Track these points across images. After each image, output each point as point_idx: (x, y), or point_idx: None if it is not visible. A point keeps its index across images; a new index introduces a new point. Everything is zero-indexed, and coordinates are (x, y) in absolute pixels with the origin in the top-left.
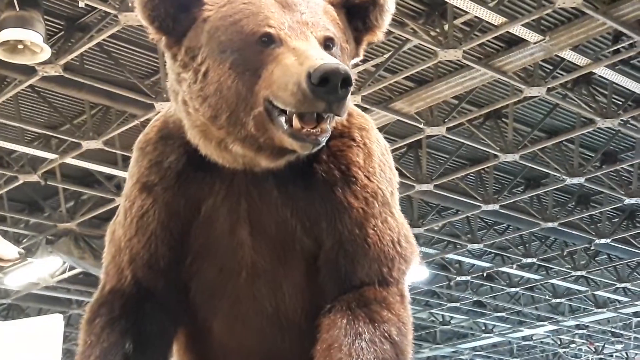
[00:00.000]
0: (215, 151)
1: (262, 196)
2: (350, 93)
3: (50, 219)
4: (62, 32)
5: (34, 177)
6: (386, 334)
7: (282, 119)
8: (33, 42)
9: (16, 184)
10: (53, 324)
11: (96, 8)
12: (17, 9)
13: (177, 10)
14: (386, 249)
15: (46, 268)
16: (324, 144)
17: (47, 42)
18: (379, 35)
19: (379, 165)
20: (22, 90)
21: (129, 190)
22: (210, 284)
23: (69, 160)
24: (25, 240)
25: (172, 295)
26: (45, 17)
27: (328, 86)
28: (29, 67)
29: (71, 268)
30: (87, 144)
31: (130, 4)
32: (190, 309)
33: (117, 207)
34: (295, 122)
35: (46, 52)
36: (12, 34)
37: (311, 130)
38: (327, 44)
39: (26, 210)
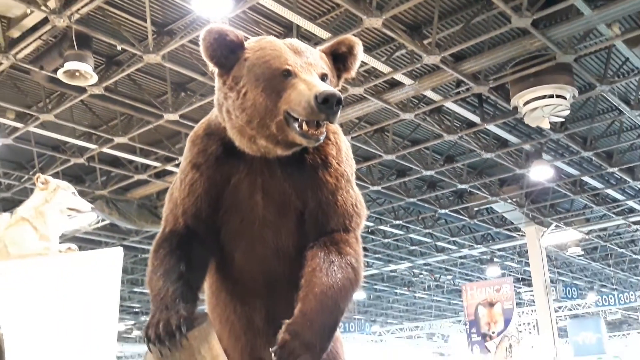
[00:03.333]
0: (246, 144)
1: (271, 174)
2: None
3: (89, 188)
4: (104, 65)
5: (81, 160)
6: (349, 262)
7: (296, 125)
8: (85, 71)
9: (68, 164)
10: (114, 255)
11: (126, 50)
12: (76, 49)
13: (228, 53)
14: (348, 209)
15: (85, 220)
16: (320, 141)
17: (95, 71)
18: (352, 74)
19: (345, 156)
20: (76, 103)
21: (183, 167)
22: (234, 229)
23: (105, 149)
24: None
25: (209, 236)
26: (94, 54)
27: (328, 104)
28: (81, 87)
29: (102, 221)
30: (117, 139)
31: (150, 48)
32: (220, 245)
33: (135, 181)
34: (304, 127)
35: (94, 78)
36: (72, 65)
37: (315, 132)
38: (323, 77)
39: (74, 181)
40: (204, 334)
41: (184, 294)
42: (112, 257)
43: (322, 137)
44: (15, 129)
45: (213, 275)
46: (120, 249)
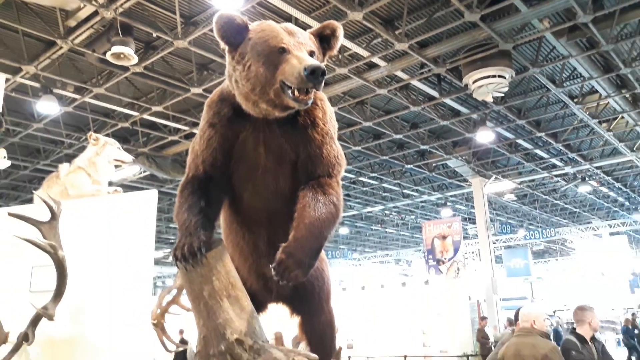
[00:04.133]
0: (251, 107)
1: (271, 132)
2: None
3: (133, 147)
4: (143, 49)
5: (126, 124)
6: (331, 200)
7: (289, 91)
8: (128, 53)
9: (116, 128)
10: (149, 197)
11: (160, 37)
12: (120, 36)
13: (235, 34)
14: (332, 160)
15: (131, 171)
16: (309, 105)
17: (135, 54)
18: (334, 52)
19: (329, 118)
20: (121, 79)
21: (202, 126)
22: (242, 174)
23: (144, 116)
24: None
25: (223, 180)
26: (135, 40)
27: (314, 75)
28: (125, 67)
29: (144, 172)
30: (154, 108)
31: (179, 35)
32: (232, 187)
33: (169, 141)
34: (296, 93)
35: (135, 59)
36: (117, 49)
37: (304, 97)
38: (311, 54)
39: (120, 141)
40: (219, 254)
41: (203, 224)
42: (150, 197)
43: (310, 102)
44: (74, 100)
45: (226, 210)
46: (155, 191)
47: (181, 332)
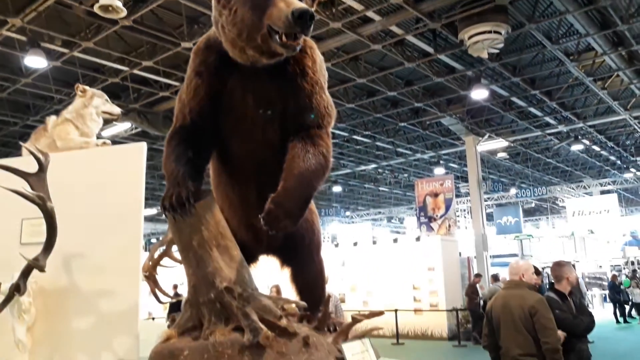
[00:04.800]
0: (238, 54)
1: (259, 81)
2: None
3: (124, 102)
4: (132, 2)
5: (116, 80)
6: (321, 151)
7: (277, 37)
8: (117, 6)
9: (107, 83)
10: (138, 149)
11: None
12: None
13: None
14: (321, 110)
15: (122, 127)
16: (297, 51)
17: (124, 7)
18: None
19: (319, 67)
20: (110, 33)
21: (189, 74)
22: (230, 125)
23: (135, 71)
24: None
25: (211, 131)
26: None
27: (302, 19)
28: (114, 20)
29: (135, 128)
30: (145, 63)
31: None
32: (220, 138)
33: (160, 97)
34: (284, 38)
35: (124, 12)
36: (106, 1)
37: (292, 43)
38: None
39: (111, 97)
40: (208, 205)
41: (191, 174)
42: (138, 149)
43: (298, 48)
44: (63, 54)
45: (215, 162)
46: (144, 143)
47: (175, 287)
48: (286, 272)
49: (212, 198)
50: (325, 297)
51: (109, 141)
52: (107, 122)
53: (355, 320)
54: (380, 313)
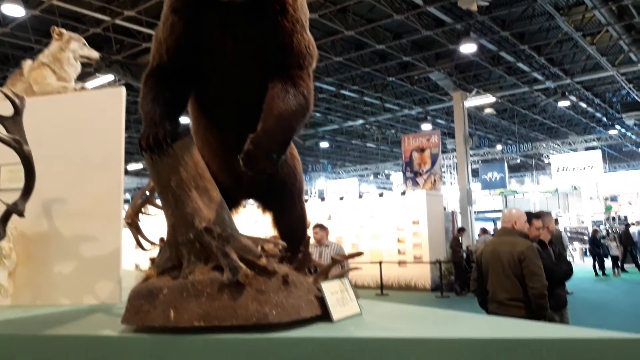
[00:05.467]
0: None
1: (238, 20)
2: None
3: (107, 53)
4: None
5: (98, 30)
6: (301, 92)
7: None
8: None
9: (88, 33)
10: (118, 92)
11: None
12: None
13: None
14: (302, 50)
15: (105, 79)
16: None
17: None
18: None
19: (300, 5)
20: None
21: (165, 12)
22: (210, 64)
23: (117, 21)
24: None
25: (189, 71)
26: None
27: None
28: None
29: (119, 81)
30: (127, 12)
31: None
32: (199, 78)
33: (143, 49)
34: None
35: None
36: None
37: None
38: None
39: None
40: (186, 145)
41: (169, 114)
42: (117, 93)
43: None
44: (41, 2)
45: (194, 104)
46: (123, 87)
47: (161, 240)
48: (264, 216)
49: (190, 139)
50: (306, 239)
51: (87, 85)
52: (85, 67)
53: (335, 260)
54: (360, 253)
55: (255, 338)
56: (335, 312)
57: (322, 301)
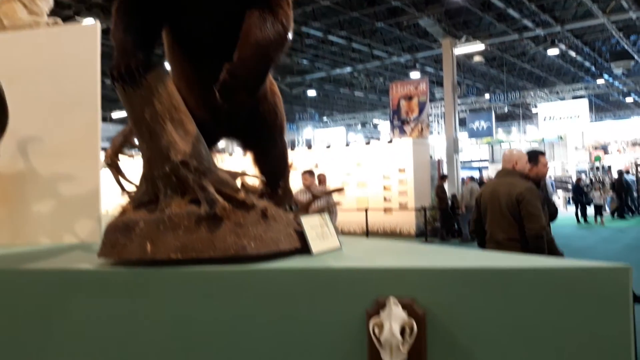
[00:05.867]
0: None
1: None
2: None
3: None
4: None
5: None
6: (279, 20)
7: None
8: None
9: None
10: (91, 29)
11: None
12: None
13: None
14: None
15: (85, 23)
16: None
17: None
18: None
19: None
20: None
21: None
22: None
23: None
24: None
25: (162, 3)
26: None
27: None
28: None
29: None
30: None
31: None
32: (172, 7)
33: None
34: None
35: None
36: None
37: None
38: None
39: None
40: (159, 76)
41: (141, 44)
42: (92, 29)
43: None
44: None
45: (168, 35)
46: (98, 23)
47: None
48: (245, 156)
49: (163, 68)
50: (286, 176)
51: (59, 20)
52: (64, 9)
53: (315, 196)
54: (341, 189)
55: (234, 270)
56: (315, 246)
57: (301, 235)
